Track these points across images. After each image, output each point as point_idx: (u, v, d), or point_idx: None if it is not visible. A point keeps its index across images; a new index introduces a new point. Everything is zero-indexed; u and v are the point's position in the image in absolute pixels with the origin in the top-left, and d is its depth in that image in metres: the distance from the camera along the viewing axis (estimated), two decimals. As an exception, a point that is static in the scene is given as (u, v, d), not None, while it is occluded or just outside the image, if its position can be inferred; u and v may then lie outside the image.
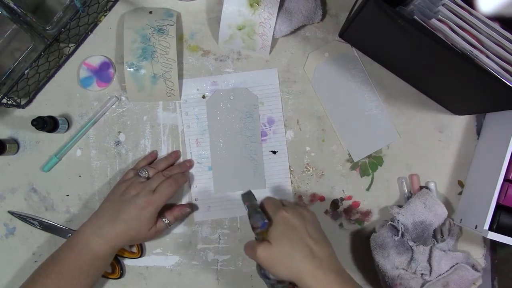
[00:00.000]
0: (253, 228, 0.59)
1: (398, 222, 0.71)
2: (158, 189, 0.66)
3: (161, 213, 0.69)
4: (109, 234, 0.64)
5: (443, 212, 0.72)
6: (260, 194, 0.75)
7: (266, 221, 0.58)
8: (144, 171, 0.70)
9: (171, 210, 0.71)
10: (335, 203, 0.76)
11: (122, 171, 0.75)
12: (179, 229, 0.75)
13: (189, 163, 0.75)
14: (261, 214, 0.59)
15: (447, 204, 0.75)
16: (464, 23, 0.58)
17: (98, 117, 0.75)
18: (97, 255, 0.64)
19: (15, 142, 0.75)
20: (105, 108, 0.75)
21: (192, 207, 0.75)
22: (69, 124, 0.75)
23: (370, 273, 0.75)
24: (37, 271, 0.64)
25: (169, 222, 0.70)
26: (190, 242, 0.75)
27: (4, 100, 0.69)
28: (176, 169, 0.72)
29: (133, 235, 0.65)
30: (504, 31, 0.58)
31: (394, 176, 0.76)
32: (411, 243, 0.70)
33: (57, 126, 0.72)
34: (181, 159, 0.76)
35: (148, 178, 0.69)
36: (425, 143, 0.76)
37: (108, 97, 0.75)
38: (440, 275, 0.71)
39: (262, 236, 0.60)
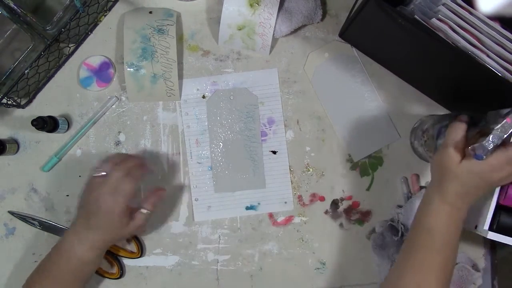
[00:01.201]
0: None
1: (398, 222, 0.71)
2: (117, 189, 0.63)
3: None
4: (89, 240, 0.64)
5: (443, 212, 0.72)
6: (260, 194, 0.75)
7: None
8: (99, 168, 0.66)
9: (147, 199, 0.68)
10: (335, 203, 0.76)
11: (122, 171, 0.75)
12: (179, 229, 0.75)
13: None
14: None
15: (447, 204, 0.75)
16: (465, 23, 0.58)
17: (98, 117, 0.75)
18: (84, 261, 0.64)
19: (15, 142, 0.75)
20: (105, 108, 0.75)
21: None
22: (69, 124, 0.75)
23: (370, 273, 0.75)
24: (27, 280, 0.65)
25: (148, 211, 0.67)
26: (190, 242, 0.75)
27: (4, 100, 0.69)
28: (130, 162, 0.67)
29: (113, 237, 0.65)
30: (504, 30, 0.58)
31: (394, 176, 0.76)
32: (411, 243, 0.70)
33: (57, 126, 0.72)
34: (181, 159, 0.75)
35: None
36: (425, 143, 0.76)
37: (108, 97, 0.75)
38: (440, 275, 0.71)
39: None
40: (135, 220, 0.66)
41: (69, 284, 0.64)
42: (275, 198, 0.75)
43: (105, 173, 0.65)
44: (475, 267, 0.73)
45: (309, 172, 0.76)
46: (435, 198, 0.58)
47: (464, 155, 0.57)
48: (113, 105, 0.75)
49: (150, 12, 0.74)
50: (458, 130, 0.58)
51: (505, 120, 0.55)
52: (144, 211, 0.67)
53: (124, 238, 0.70)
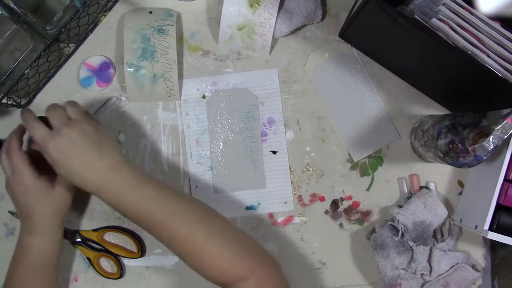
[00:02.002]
0: None
1: (398, 222, 0.71)
2: (11, 167, 0.63)
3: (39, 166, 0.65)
4: (35, 227, 0.63)
5: (443, 212, 0.72)
6: (260, 194, 0.75)
7: None
8: None
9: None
10: (335, 203, 0.76)
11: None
12: (179, 229, 0.75)
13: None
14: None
15: (447, 204, 0.75)
16: (465, 23, 0.58)
17: (97, 116, 0.75)
18: (40, 251, 0.64)
19: (15, 142, 0.74)
20: (104, 107, 0.75)
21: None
22: None
23: (370, 273, 0.75)
24: (5, 282, 0.65)
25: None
26: (190, 242, 0.75)
27: (4, 100, 0.69)
28: (7, 138, 0.66)
29: (51, 211, 0.63)
30: (505, 30, 0.58)
31: (394, 176, 0.76)
32: (411, 243, 0.70)
33: None
34: (181, 159, 0.75)
35: None
36: (425, 143, 0.76)
37: (108, 96, 0.75)
38: (440, 275, 0.71)
39: None
40: (58, 180, 0.64)
41: (33, 280, 0.63)
42: (275, 198, 0.75)
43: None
44: (475, 267, 0.73)
45: (309, 172, 0.76)
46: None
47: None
48: (113, 105, 0.75)
49: (150, 12, 0.74)
50: (38, 127, 0.59)
51: (505, 121, 0.55)
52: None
53: (64, 204, 0.66)
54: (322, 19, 0.76)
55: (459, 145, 0.61)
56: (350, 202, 0.76)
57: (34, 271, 0.63)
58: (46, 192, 0.63)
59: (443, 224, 0.74)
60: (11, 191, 0.65)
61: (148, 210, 0.59)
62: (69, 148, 0.58)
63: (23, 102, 0.75)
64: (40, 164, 0.63)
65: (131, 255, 0.74)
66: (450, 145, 0.63)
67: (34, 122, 0.59)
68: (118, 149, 0.63)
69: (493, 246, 0.76)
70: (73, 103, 0.63)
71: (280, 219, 0.76)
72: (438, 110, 0.76)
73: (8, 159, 0.64)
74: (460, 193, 0.76)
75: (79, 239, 0.74)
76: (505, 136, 0.54)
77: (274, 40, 0.76)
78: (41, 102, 0.76)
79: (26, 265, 0.64)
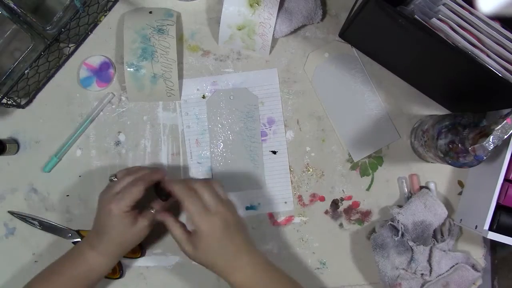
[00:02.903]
0: None
1: (398, 222, 0.71)
2: (123, 193, 0.63)
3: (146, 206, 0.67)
4: (99, 245, 0.64)
5: (443, 212, 0.72)
6: (260, 194, 0.75)
7: None
8: (113, 175, 0.67)
9: (158, 200, 0.68)
10: (335, 203, 0.76)
11: (122, 171, 0.75)
12: (179, 229, 0.75)
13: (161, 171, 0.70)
14: None
15: (447, 204, 0.75)
16: (465, 23, 0.58)
17: (95, 115, 0.75)
18: (92, 267, 0.64)
19: (15, 142, 0.75)
20: (102, 105, 0.75)
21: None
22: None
23: (370, 273, 0.75)
24: (34, 278, 0.65)
25: (156, 210, 0.67)
26: (190, 242, 0.75)
27: (4, 100, 0.69)
28: (145, 170, 0.68)
29: (121, 240, 0.64)
30: (505, 30, 0.58)
31: (394, 176, 0.76)
32: (411, 243, 0.70)
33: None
34: (181, 159, 0.75)
35: None
36: (425, 143, 0.76)
37: (106, 93, 0.75)
38: (440, 275, 0.71)
39: None
40: (142, 220, 0.65)
41: (70, 284, 0.63)
42: (275, 198, 0.75)
43: (116, 179, 0.66)
44: (475, 267, 0.73)
45: (309, 172, 0.76)
46: (227, 280, 0.63)
47: (192, 241, 0.61)
48: (109, 101, 0.75)
49: (150, 12, 0.74)
50: (175, 232, 0.63)
51: (505, 121, 0.55)
52: (153, 211, 0.66)
53: (135, 241, 0.67)
54: (322, 19, 0.76)
55: (459, 145, 0.61)
56: (350, 202, 0.76)
57: (74, 281, 0.63)
58: (126, 225, 0.63)
59: (443, 224, 0.74)
60: (101, 203, 0.65)
61: None
62: (225, 230, 0.60)
63: (23, 102, 0.75)
64: None
65: (131, 255, 0.74)
66: (450, 145, 0.63)
67: (192, 194, 0.61)
68: (247, 229, 0.66)
69: (493, 246, 0.76)
70: (217, 183, 0.65)
71: (280, 219, 0.76)
72: (438, 110, 0.76)
73: (129, 183, 0.64)
74: (460, 193, 0.76)
75: (79, 239, 0.74)
76: (505, 136, 0.54)
77: (274, 40, 0.76)
78: (41, 102, 0.76)
79: (71, 273, 0.63)
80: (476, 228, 0.66)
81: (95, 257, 0.64)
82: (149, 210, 0.66)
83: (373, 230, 0.75)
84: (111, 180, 0.67)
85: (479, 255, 0.75)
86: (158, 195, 0.68)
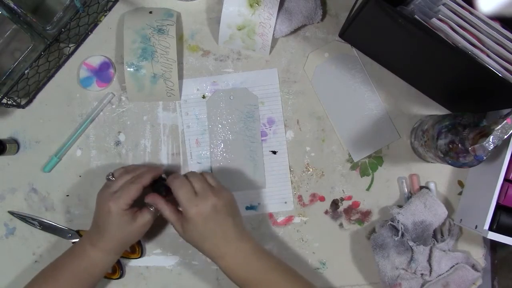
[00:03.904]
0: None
1: (398, 222, 0.71)
2: (121, 187, 0.64)
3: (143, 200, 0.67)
4: (100, 242, 0.64)
5: (443, 212, 0.72)
6: (260, 194, 0.75)
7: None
8: (110, 174, 0.68)
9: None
10: (335, 203, 0.76)
11: (122, 171, 0.75)
12: (179, 229, 0.75)
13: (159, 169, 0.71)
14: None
15: (447, 204, 0.75)
16: (465, 23, 0.58)
17: (95, 115, 0.75)
18: (93, 263, 0.65)
19: (15, 142, 0.75)
20: (102, 105, 0.75)
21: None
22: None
23: (370, 273, 0.75)
24: (37, 276, 0.66)
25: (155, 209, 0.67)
26: (190, 242, 0.75)
27: (4, 100, 0.69)
28: (142, 168, 0.69)
29: (120, 238, 0.65)
30: (505, 30, 0.58)
31: (394, 176, 0.76)
32: (411, 243, 0.70)
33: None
34: (181, 159, 0.76)
35: None
36: (425, 143, 0.76)
37: (106, 93, 0.75)
38: (440, 275, 0.71)
39: None
40: (141, 217, 0.66)
41: (71, 286, 0.64)
42: (275, 198, 0.75)
43: (114, 178, 0.67)
44: (475, 267, 0.73)
45: (309, 172, 0.76)
46: (215, 262, 0.65)
47: (181, 223, 0.64)
48: (109, 101, 0.75)
49: (150, 12, 0.74)
50: (165, 213, 0.64)
51: (505, 121, 0.55)
52: (152, 208, 0.67)
53: (135, 238, 0.67)
54: (322, 19, 0.76)
55: (459, 145, 0.61)
56: (350, 202, 0.76)
57: (77, 277, 0.64)
58: (126, 223, 0.64)
59: (443, 224, 0.74)
60: (99, 201, 0.65)
61: (260, 281, 0.63)
62: (212, 215, 0.62)
63: (23, 102, 0.75)
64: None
65: (131, 255, 0.74)
66: (450, 145, 0.63)
67: (182, 182, 0.63)
68: (242, 219, 0.68)
69: (493, 246, 0.76)
70: (210, 174, 0.67)
71: (280, 219, 0.76)
72: (438, 110, 0.76)
73: (126, 181, 0.65)
74: (460, 193, 0.76)
75: (79, 239, 0.74)
76: (505, 136, 0.54)
77: (274, 40, 0.76)
78: (41, 102, 0.76)
79: (73, 269, 0.64)
80: (476, 228, 0.66)
81: (96, 253, 0.64)
82: (148, 207, 0.67)
83: (373, 230, 0.75)
84: (108, 179, 0.67)
85: (479, 255, 0.75)
86: (156, 192, 0.68)
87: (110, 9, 0.76)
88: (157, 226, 0.75)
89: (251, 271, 0.63)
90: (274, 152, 0.76)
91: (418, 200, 0.72)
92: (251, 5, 0.70)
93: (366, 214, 0.76)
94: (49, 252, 0.75)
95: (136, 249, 0.74)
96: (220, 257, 0.63)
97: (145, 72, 0.72)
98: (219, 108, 0.76)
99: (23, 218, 0.75)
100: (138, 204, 0.66)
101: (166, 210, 0.64)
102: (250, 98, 0.76)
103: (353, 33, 0.72)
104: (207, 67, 0.76)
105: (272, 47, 0.75)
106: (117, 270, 0.74)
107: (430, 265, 0.71)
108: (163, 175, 0.70)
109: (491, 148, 0.55)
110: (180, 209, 0.63)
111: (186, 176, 0.65)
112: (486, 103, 0.66)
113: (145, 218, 0.66)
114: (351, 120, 0.76)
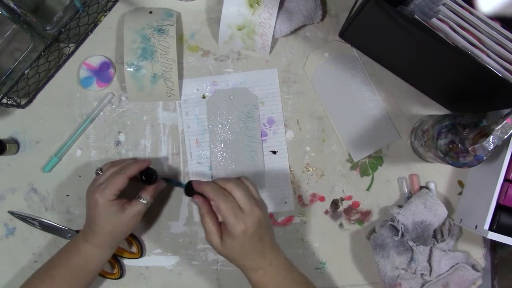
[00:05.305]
0: None
1: (398, 222, 0.71)
2: (107, 183, 0.64)
3: (136, 195, 0.68)
4: (92, 237, 0.65)
5: (443, 212, 0.72)
6: (260, 194, 0.75)
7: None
8: (99, 168, 0.69)
9: (146, 189, 0.68)
10: (335, 203, 0.76)
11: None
12: (179, 229, 0.75)
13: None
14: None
15: (447, 204, 0.75)
16: (465, 23, 0.58)
17: (95, 115, 0.75)
18: (86, 258, 0.65)
19: (15, 142, 0.75)
20: (102, 105, 0.75)
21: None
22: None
23: (370, 273, 0.75)
24: (33, 274, 0.66)
25: (147, 201, 0.67)
26: (190, 242, 0.75)
27: (4, 100, 0.69)
28: (128, 161, 0.70)
29: (110, 230, 0.65)
30: (505, 30, 0.58)
31: (394, 176, 0.76)
32: (411, 243, 0.70)
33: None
34: (181, 159, 0.75)
35: None
36: (425, 143, 0.76)
37: (106, 93, 0.75)
38: (440, 275, 0.71)
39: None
40: (131, 208, 0.65)
41: (67, 283, 0.64)
42: (275, 198, 0.75)
43: (101, 172, 0.68)
44: (475, 267, 0.73)
45: (309, 172, 0.76)
46: (246, 274, 0.63)
47: (221, 235, 0.61)
48: (109, 101, 0.75)
49: (150, 12, 0.74)
50: (207, 222, 0.62)
51: (505, 121, 0.55)
52: (143, 200, 0.67)
53: (125, 230, 0.67)
54: (322, 19, 0.76)
55: (459, 145, 0.61)
56: (350, 202, 0.76)
57: (72, 273, 0.65)
58: (114, 214, 0.64)
59: (443, 224, 0.74)
60: (87, 195, 0.66)
61: None
62: (257, 230, 0.60)
63: (23, 102, 0.75)
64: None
65: (131, 255, 0.74)
66: (450, 145, 0.63)
67: (227, 197, 0.60)
68: (272, 227, 0.69)
69: (493, 246, 0.76)
70: (252, 183, 0.65)
71: (280, 219, 0.76)
72: (438, 110, 0.76)
73: (112, 172, 0.66)
74: (460, 193, 0.76)
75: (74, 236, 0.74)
76: (505, 136, 0.54)
77: (274, 40, 0.76)
78: (41, 102, 0.76)
79: (68, 266, 0.65)
80: (476, 228, 0.66)
81: (88, 249, 0.65)
82: (138, 199, 0.67)
83: (373, 230, 0.75)
84: (97, 173, 0.68)
85: (479, 255, 0.75)
86: (144, 183, 0.68)
87: (110, 9, 0.76)
88: (157, 226, 0.75)
89: (282, 285, 0.63)
90: (274, 152, 0.76)
91: (418, 200, 0.72)
92: (251, 5, 0.70)
93: (366, 214, 0.76)
94: (49, 252, 0.75)
95: (136, 249, 0.74)
96: (254, 270, 0.62)
97: (145, 72, 0.72)
98: (219, 108, 0.76)
99: (23, 218, 0.75)
100: (129, 197, 0.66)
101: (209, 221, 0.62)
102: (250, 98, 0.76)
103: (353, 33, 0.72)
104: (207, 67, 0.76)
105: (272, 47, 0.75)
106: (117, 270, 0.74)
107: (430, 265, 0.71)
108: (151, 167, 0.70)
109: (491, 148, 0.55)
110: (220, 220, 0.62)
111: (224, 184, 0.62)
112: (486, 103, 0.66)
113: (134, 209, 0.65)
114: (351, 120, 0.76)
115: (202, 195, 0.63)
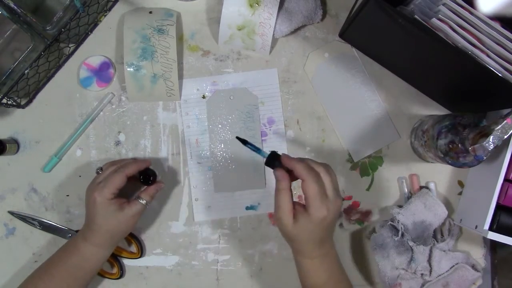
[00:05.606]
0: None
1: (398, 222, 0.71)
2: (105, 182, 0.65)
3: (135, 196, 0.69)
4: (90, 236, 0.65)
5: (443, 212, 0.72)
6: (260, 194, 0.75)
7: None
8: (99, 168, 0.70)
9: (145, 190, 0.69)
10: (335, 203, 0.76)
11: (122, 171, 0.75)
12: (179, 229, 0.75)
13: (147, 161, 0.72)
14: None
15: (447, 204, 0.75)
16: (465, 23, 0.58)
17: (95, 115, 0.75)
18: (86, 257, 0.65)
19: (15, 142, 0.75)
20: (102, 105, 0.75)
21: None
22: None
23: (370, 273, 0.75)
24: (32, 273, 0.66)
25: (146, 201, 0.67)
26: (190, 242, 0.75)
27: (4, 100, 0.69)
28: (126, 160, 0.71)
29: (108, 229, 0.65)
30: (505, 30, 0.58)
31: (394, 176, 0.76)
32: (411, 243, 0.70)
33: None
34: (181, 159, 0.75)
35: None
36: (425, 143, 0.76)
37: (106, 93, 0.75)
38: (440, 275, 0.71)
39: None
40: (129, 208, 0.66)
41: (65, 281, 0.64)
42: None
43: (101, 171, 0.68)
44: (475, 267, 0.73)
45: (309, 172, 0.76)
46: (300, 259, 0.62)
47: (295, 215, 0.58)
48: (109, 101, 0.75)
49: (150, 12, 0.74)
50: (283, 198, 0.58)
51: (505, 121, 0.55)
52: (142, 201, 0.67)
53: (123, 229, 0.67)
54: (322, 19, 0.76)
55: (459, 145, 0.61)
56: (350, 202, 0.76)
57: (71, 272, 0.65)
58: (112, 213, 0.64)
59: (443, 224, 0.74)
60: (86, 194, 0.67)
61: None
62: (334, 220, 0.59)
63: (23, 102, 0.75)
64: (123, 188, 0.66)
65: (131, 255, 0.74)
66: (450, 145, 0.63)
67: (319, 178, 0.58)
68: None
69: (493, 246, 0.76)
70: (335, 175, 0.61)
71: (280, 219, 0.76)
72: (438, 110, 0.76)
73: (111, 171, 0.66)
74: (460, 193, 0.76)
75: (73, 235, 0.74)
76: (505, 136, 0.54)
77: (274, 40, 0.76)
78: (41, 102, 0.76)
79: (67, 264, 0.65)
80: (476, 228, 0.66)
81: (87, 248, 0.65)
82: (137, 199, 0.67)
83: (373, 230, 0.75)
84: (97, 173, 0.69)
85: (479, 255, 0.75)
86: (143, 183, 0.69)
87: (110, 9, 0.76)
88: (157, 226, 0.75)
89: (332, 277, 0.62)
90: (274, 152, 0.76)
91: (418, 200, 0.72)
92: (251, 5, 0.70)
93: (366, 214, 0.76)
94: (49, 252, 0.74)
95: (136, 249, 0.74)
96: (311, 257, 0.61)
97: (145, 72, 0.72)
98: (219, 108, 0.76)
99: (23, 218, 0.75)
100: (129, 197, 0.67)
101: (286, 197, 0.58)
102: (250, 98, 0.76)
103: (353, 33, 0.72)
104: (207, 67, 0.76)
105: (272, 47, 0.75)
106: (117, 270, 0.74)
107: (430, 265, 0.71)
108: (151, 167, 0.71)
109: (491, 148, 0.55)
110: (296, 201, 0.61)
111: (314, 166, 0.59)
112: (486, 103, 0.66)
113: (133, 209, 0.66)
114: (351, 120, 0.76)
115: (284, 169, 0.60)
